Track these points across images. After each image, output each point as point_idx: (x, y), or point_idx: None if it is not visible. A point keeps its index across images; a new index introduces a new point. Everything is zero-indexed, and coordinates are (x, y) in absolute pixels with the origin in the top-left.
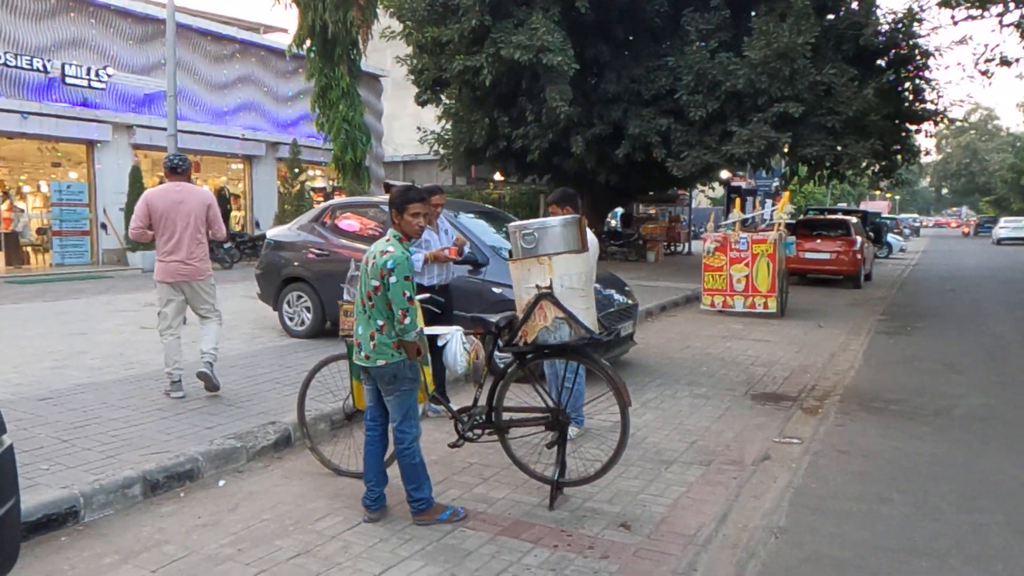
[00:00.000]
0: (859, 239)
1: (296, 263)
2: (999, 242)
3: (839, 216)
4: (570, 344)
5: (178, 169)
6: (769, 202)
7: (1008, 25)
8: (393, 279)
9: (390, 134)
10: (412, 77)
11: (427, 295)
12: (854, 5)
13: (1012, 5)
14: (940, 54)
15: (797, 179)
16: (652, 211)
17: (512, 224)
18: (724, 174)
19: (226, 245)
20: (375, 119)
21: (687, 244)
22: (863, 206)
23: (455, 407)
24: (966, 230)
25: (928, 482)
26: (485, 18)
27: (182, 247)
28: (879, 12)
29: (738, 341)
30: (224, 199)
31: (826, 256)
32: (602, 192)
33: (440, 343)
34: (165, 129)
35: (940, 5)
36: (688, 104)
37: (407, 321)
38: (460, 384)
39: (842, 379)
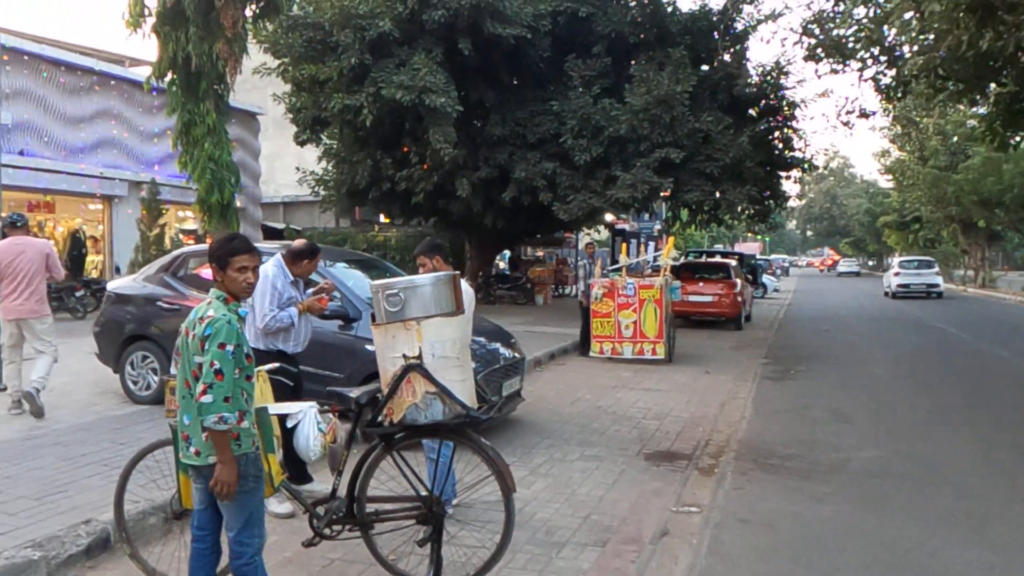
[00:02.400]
0: (739, 281)
1: (142, 319)
2: (840, 275)
3: (719, 259)
4: (444, 423)
5: (17, 224)
6: (652, 245)
7: (866, 80)
8: (207, 347)
9: (271, 174)
10: (290, 116)
11: (276, 365)
12: (727, 57)
13: (870, 61)
14: (805, 105)
15: (679, 223)
16: (540, 254)
17: (375, 283)
18: (609, 217)
19: (79, 293)
20: (252, 158)
21: (575, 287)
22: (738, 247)
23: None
24: (821, 268)
25: (835, 555)
26: (365, 57)
27: (21, 291)
28: (750, 65)
29: (628, 391)
30: (79, 242)
31: (709, 299)
32: (489, 235)
33: (290, 423)
34: (7, 166)
35: (805, 59)
36: (573, 148)
37: (205, 399)
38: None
39: (735, 431)
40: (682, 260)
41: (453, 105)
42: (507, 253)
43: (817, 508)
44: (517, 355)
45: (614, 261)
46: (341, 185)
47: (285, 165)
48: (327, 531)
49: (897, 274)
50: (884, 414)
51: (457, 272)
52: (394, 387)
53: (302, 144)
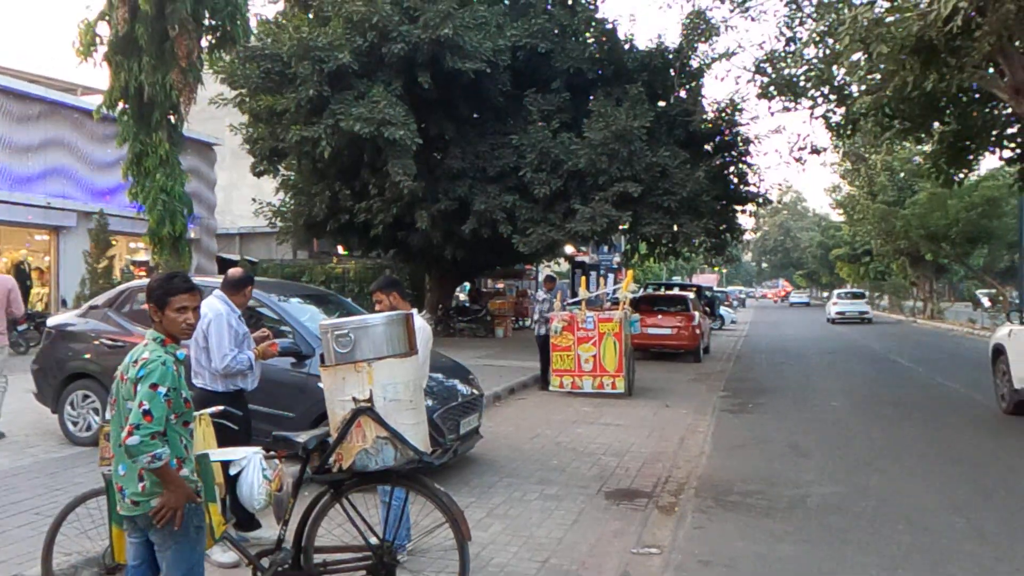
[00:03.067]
0: (697, 314)
1: (83, 355)
2: (791, 305)
3: (677, 292)
4: (396, 468)
5: None
6: (612, 277)
7: (817, 118)
8: (139, 388)
9: (228, 204)
10: (247, 146)
11: (220, 408)
12: (683, 94)
13: (820, 100)
14: (759, 141)
15: (638, 256)
16: (500, 286)
17: (324, 322)
18: (569, 249)
19: (21, 327)
20: (207, 189)
21: (531, 319)
22: (695, 279)
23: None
24: (775, 299)
25: None
26: (324, 89)
27: None
28: (705, 101)
29: (588, 426)
30: (23, 274)
31: (667, 331)
32: (449, 267)
33: (233, 470)
34: None
35: (759, 97)
36: (532, 182)
37: (131, 441)
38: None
39: (695, 467)
40: (641, 292)
41: (412, 138)
42: (467, 285)
43: (777, 547)
44: (476, 391)
45: (574, 293)
46: (299, 216)
47: (242, 196)
48: None
49: (835, 304)
50: (841, 447)
51: (411, 311)
52: (344, 431)
53: (259, 175)
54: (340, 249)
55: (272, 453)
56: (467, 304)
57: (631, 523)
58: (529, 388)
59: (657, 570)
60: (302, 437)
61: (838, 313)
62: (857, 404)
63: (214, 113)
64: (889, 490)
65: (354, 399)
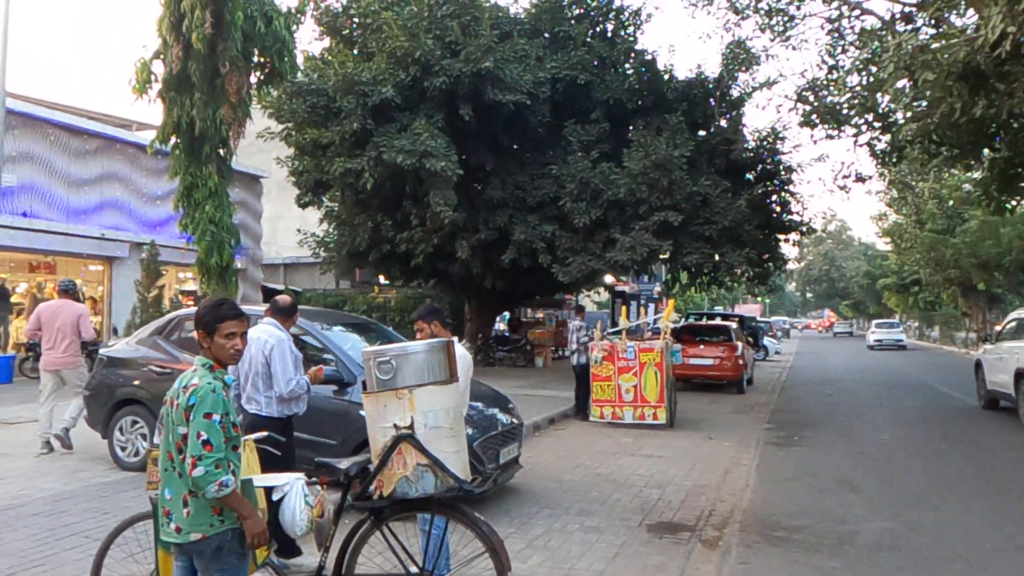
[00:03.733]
0: (740, 344)
1: (133, 382)
2: (835, 335)
3: (720, 322)
4: (436, 496)
5: (68, 289)
6: (652, 307)
7: (861, 145)
8: (192, 417)
9: (273, 235)
10: (293, 179)
11: (264, 434)
12: (723, 123)
13: (864, 127)
14: (801, 170)
15: (679, 285)
16: (540, 315)
17: (366, 350)
18: (608, 279)
19: None
20: (254, 220)
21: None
22: (737, 310)
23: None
24: (819, 329)
25: None
26: (367, 122)
27: (56, 345)
28: (746, 130)
29: (629, 457)
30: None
31: (710, 362)
32: (488, 297)
33: (276, 496)
34: (9, 227)
35: (801, 125)
36: (572, 211)
37: (196, 472)
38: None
39: (739, 501)
40: (682, 323)
41: (453, 169)
42: (507, 315)
43: None
44: (515, 420)
45: (614, 323)
46: (342, 247)
47: (287, 227)
48: None
49: (874, 332)
50: (892, 482)
51: (452, 339)
52: (384, 458)
53: (304, 206)
54: (381, 279)
55: (314, 479)
56: (507, 334)
57: (674, 557)
58: (569, 419)
59: None
60: (343, 464)
61: (876, 340)
62: (907, 437)
63: (261, 147)
64: (945, 527)
65: (395, 426)
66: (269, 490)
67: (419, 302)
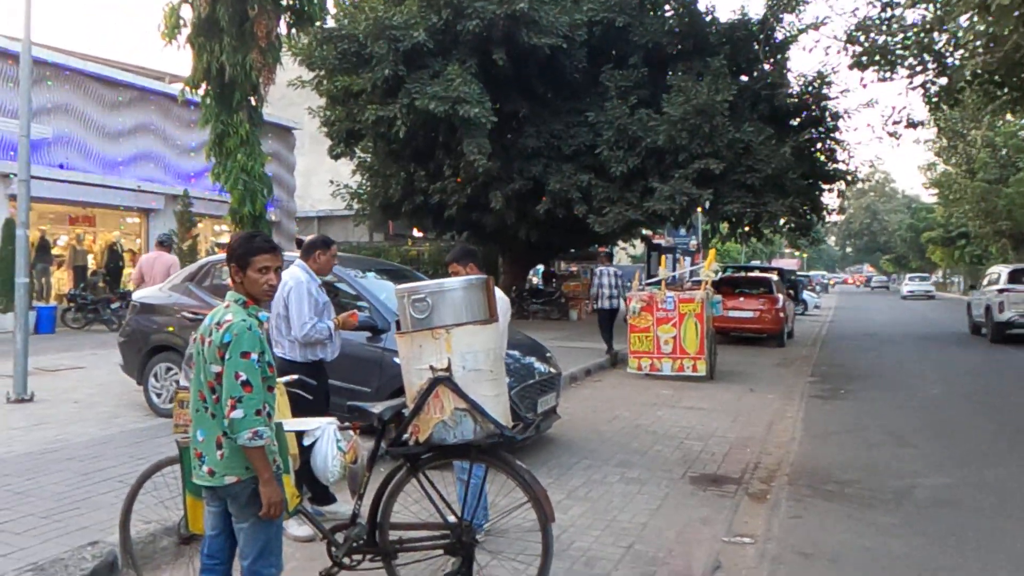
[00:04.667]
0: (781, 296)
1: (167, 329)
2: (872, 289)
3: (760, 274)
4: (475, 443)
5: (163, 242)
6: (688, 259)
7: (914, 88)
8: (228, 356)
9: (307, 189)
10: (325, 129)
11: (295, 377)
12: (767, 67)
13: (919, 68)
14: (848, 116)
15: (719, 236)
16: (574, 268)
17: (400, 287)
18: (645, 232)
19: (114, 305)
20: (287, 172)
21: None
22: (775, 264)
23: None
24: (856, 283)
25: None
26: (399, 68)
27: None
28: (791, 75)
29: (669, 409)
30: (116, 255)
31: (750, 314)
32: (523, 249)
33: (307, 441)
34: (46, 179)
35: (850, 67)
36: (609, 160)
37: (235, 414)
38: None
39: (786, 454)
40: (721, 275)
41: (487, 116)
42: (540, 268)
43: (887, 542)
44: (553, 370)
45: (650, 275)
46: (375, 198)
47: (320, 180)
48: (346, 560)
49: (906, 284)
50: (946, 437)
51: (490, 276)
52: (420, 402)
53: (336, 158)
54: (415, 231)
55: (347, 424)
56: (541, 287)
57: (720, 510)
58: (606, 370)
59: (752, 561)
60: (377, 408)
61: (909, 291)
62: (960, 391)
63: (293, 99)
64: (1007, 484)
65: (431, 368)
66: (300, 435)
67: None
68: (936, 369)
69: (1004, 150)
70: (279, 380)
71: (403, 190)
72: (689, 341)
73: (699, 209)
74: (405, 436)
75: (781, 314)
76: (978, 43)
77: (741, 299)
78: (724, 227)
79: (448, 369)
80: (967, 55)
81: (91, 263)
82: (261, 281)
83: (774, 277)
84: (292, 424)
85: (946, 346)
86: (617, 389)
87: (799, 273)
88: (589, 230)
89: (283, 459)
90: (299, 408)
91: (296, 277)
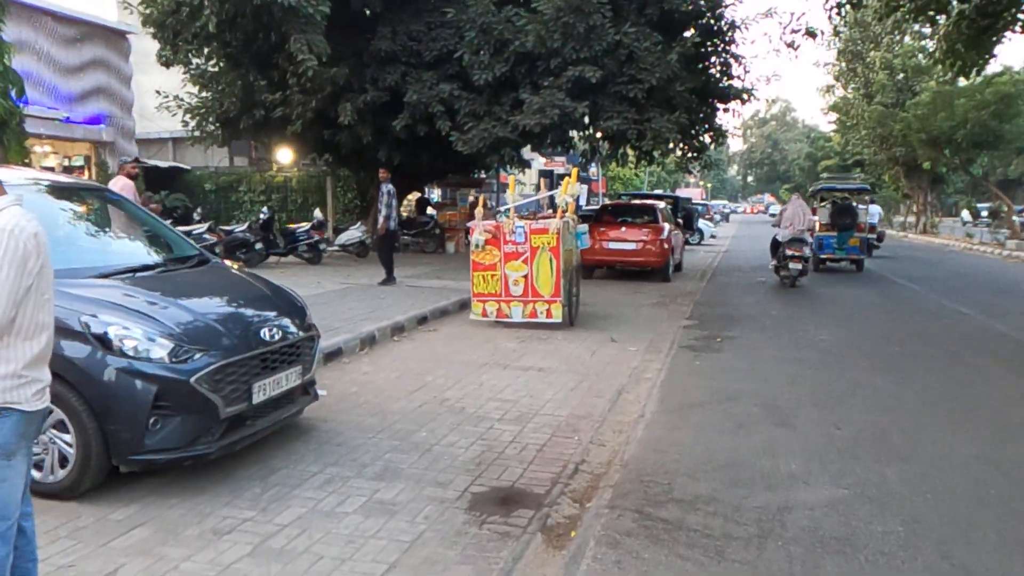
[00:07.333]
0: (667, 226)
1: None
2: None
3: (645, 202)
4: None
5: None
6: (586, 188)
7: None
8: None
9: (161, 108)
10: (148, 30)
11: None
12: None
13: None
14: (746, 27)
15: (614, 162)
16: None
17: None
18: (529, 155)
19: None
20: (121, 84)
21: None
22: (679, 193)
23: None
24: (753, 212)
25: None
26: None
27: None
28: None
29: (499, 371)
30: None
31: (631, 246)
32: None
33: None
34: None
35: None
36: (472, 66)
37: None
38: None
39: (624, 445)
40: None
41: (316, 6)
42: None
43: None
44: (300, 333)
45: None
46: (208, 112)
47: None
48: None
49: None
50: (836, 408)
51: None
52: None
53: (167, 65)
54: (284, 157)
55: None
56: (414, 217)
57: (489, 566)
58: (451, 315)
59: None
60: None
61: None
62: (852, 338)
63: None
64: (917, 488)
65: None
66: None
67: (322, 182)
68: (824, 306)
69: (902, 74)
70: None
71: (241, 102)
72: (543, 281)
73: (577, 121)
74: None
75: (666, 246)
76: None
77: (623, 229)
78: (606, 148)
79: None
80: None
81: None
82: None
83: (661, 205)
84: None
85: (836, 279)
86: (450, 343)
87: (696, 202)
88: (460, 153)
89: None
90: None
91: None
